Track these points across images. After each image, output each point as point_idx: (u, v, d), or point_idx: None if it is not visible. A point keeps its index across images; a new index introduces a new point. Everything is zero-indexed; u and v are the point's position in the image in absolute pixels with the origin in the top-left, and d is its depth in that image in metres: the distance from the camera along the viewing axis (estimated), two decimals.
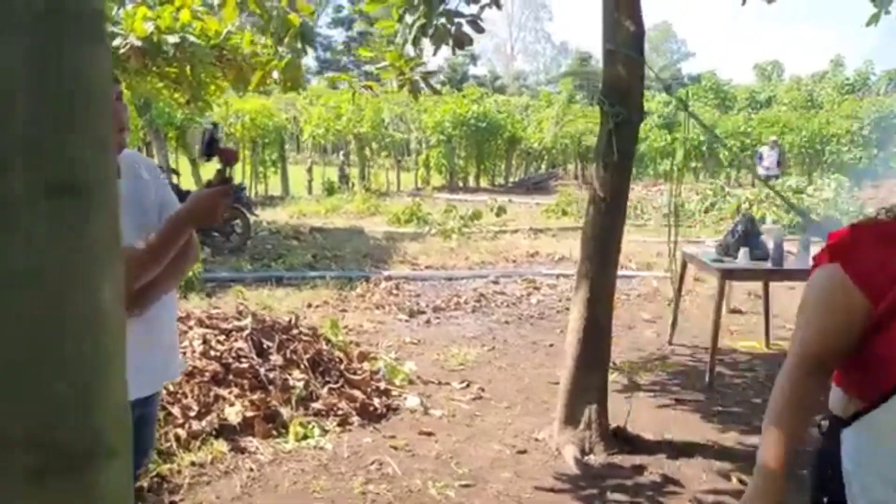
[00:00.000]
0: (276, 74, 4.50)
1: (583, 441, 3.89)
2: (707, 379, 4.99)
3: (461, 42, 4.91)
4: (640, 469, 3.71)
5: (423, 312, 6.86)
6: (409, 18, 4.90)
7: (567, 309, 7.03)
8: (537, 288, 7.89)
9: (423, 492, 3.47)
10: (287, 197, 17.11)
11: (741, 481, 3.59)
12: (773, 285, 5.99)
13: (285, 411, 4.12)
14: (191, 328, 4.63)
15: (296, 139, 22.20)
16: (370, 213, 14.46)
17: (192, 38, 8.18)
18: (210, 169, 2.24)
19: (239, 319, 4.65)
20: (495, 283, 8.19)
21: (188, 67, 9.03)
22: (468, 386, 4.94)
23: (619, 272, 9.04)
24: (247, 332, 4.48)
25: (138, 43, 7.79)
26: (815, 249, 5.05)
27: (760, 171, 16.73)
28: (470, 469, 3.71)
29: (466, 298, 7.32)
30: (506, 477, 3.65)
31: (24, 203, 0.55)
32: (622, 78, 3.80)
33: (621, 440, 3.95)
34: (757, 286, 7.46)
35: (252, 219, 10.60)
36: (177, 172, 10.35)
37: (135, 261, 2.01)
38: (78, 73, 0.58)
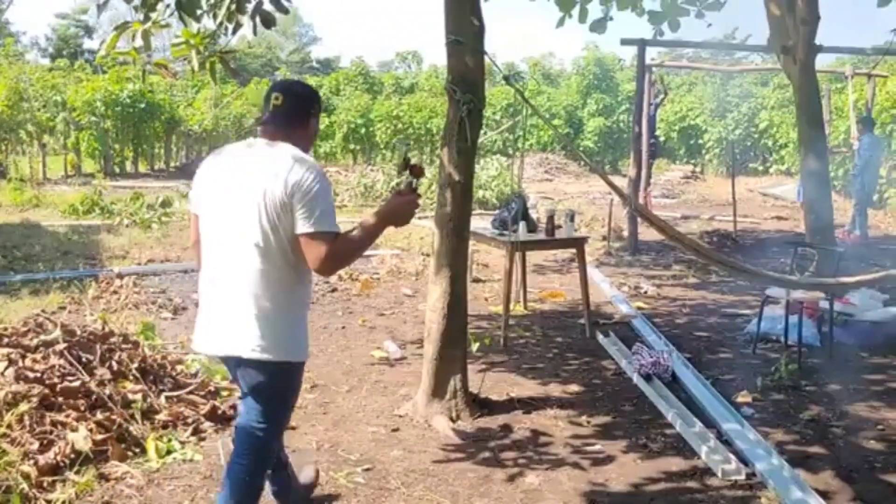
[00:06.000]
0: (139, 40, 3.97)
1: (450, 410, 4.12)
2: (502, 342, 5.53)
3: (267, 20, 4.72)
4: (507, 427, 4.07)
5: (186, 308, 6.40)
6: None
7: (331, 292, 7.15)
8: None
9: (334, 482, 3.42)
10: None
11: (588, 423, 4.15)
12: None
13: (134, 428, 3.69)
14: None
15: None
16: (33, 206, 12.68)
17: None
18: None
19: (42, 333, 3.98)
20: None
21: None
22: None
23: None
24: (61, 346, 3.86)
25: None
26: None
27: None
28: (360, 454, 3.73)
29: None
30: (397, 455, 3.74)
31: None
32: (470, 69, 4.06)
33: (477, 405, 4.27)
34: (487, 257, 8.31)
35: None
36: None
37: (352, 250, 2.53)
38: None
